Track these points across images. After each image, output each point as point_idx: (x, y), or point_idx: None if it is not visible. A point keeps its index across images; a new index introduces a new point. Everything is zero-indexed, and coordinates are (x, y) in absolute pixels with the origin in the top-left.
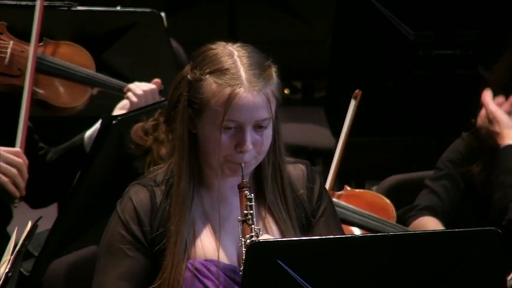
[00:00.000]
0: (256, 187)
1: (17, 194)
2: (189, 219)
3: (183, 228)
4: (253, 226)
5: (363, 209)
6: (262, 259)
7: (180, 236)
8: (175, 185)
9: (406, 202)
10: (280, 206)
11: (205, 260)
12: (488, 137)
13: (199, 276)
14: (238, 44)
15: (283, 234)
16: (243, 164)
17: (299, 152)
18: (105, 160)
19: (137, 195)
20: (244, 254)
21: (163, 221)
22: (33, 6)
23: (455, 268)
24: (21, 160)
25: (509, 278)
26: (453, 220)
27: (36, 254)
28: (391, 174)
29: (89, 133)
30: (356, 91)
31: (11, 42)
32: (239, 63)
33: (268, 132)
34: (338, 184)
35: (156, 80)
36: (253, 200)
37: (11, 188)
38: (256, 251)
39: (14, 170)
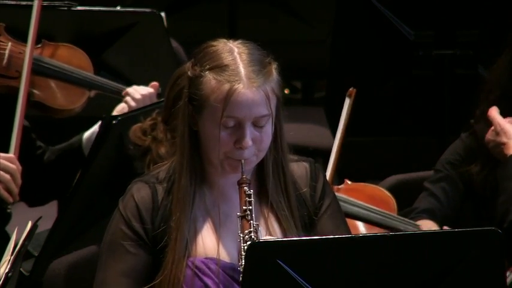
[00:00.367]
0: (258, 185)
1: (10, 199)
2: (191, 216)
3: (183, 225)
4: (251, 222)
5: (364, 202)
6: (262, 259)
7: (180, 232)
8: (176, 182)
9: (406, 202)
10: (283, 204)
11: (206, 258)
12: (496, 149)
13: (199, 274)
14: (239, 41)
15: (285, 233)
16: (243, 161)
17: (299, 152)
18: (105, 160)
19: (139, 192)
20: (242, 249)
21: (164, 218)
22: (32, 7)
23: (455, 268)
24: (15, 166)
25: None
26: (453, 221)
27: (36, 254)
28: (391, 174)
29: (87, 134)
30: (350, 89)
31: (9, 43)
32: (239, 60)
33: (268, 129)
34: (337, 184)
35: (154, 83)
36: (252, 196)
37: (4, 193)
38: (256, 251)
39: (7, 176)
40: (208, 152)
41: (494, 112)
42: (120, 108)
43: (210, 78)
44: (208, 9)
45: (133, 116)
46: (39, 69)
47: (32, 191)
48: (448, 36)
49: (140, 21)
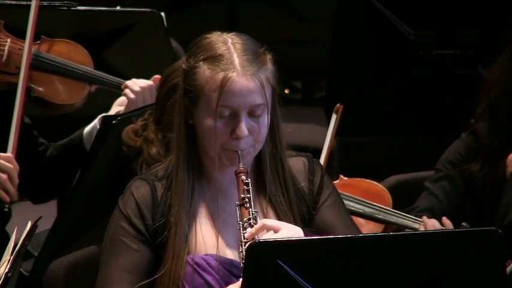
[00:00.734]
0: (256, 180)
1: (7, 199)
2: (190, 210)
3: (182, 219)
4: (250, 209)
5: (359, 196)
6: (262, 259)
7: (180, 226)
8: (174, 176)
9: (406, 202)
10: (282, 198)
11: (206, 255)
12: None
13: (199, 270)
14: (233, 33)
15: None
16: (239, 152)
17: (299, 152)
18: (104, 160)
19: (138, 189)
20: (242, 236)
21: (164, 214)
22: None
23: (456, 268)
24: (12, 166)
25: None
26: (453, 221)
27: (36, 254)
28: (391, 174)
29: (87, 129)
30: (337, 105)
31: (9, 40)
32: (232, 49)
33: (264, 120)
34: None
35: (156, 76)
36: (250, 184)
37: (1, 193)
38: (256, 251)
39: (4, 176)
40: (205, 145)
41: None
42: (119, 101)
43: (204, 69)
44: (208, 9)
45: (133, 115)
46: (38, 65)
47: (36, 188)
48: (448, 36)
49: (140, 21)
